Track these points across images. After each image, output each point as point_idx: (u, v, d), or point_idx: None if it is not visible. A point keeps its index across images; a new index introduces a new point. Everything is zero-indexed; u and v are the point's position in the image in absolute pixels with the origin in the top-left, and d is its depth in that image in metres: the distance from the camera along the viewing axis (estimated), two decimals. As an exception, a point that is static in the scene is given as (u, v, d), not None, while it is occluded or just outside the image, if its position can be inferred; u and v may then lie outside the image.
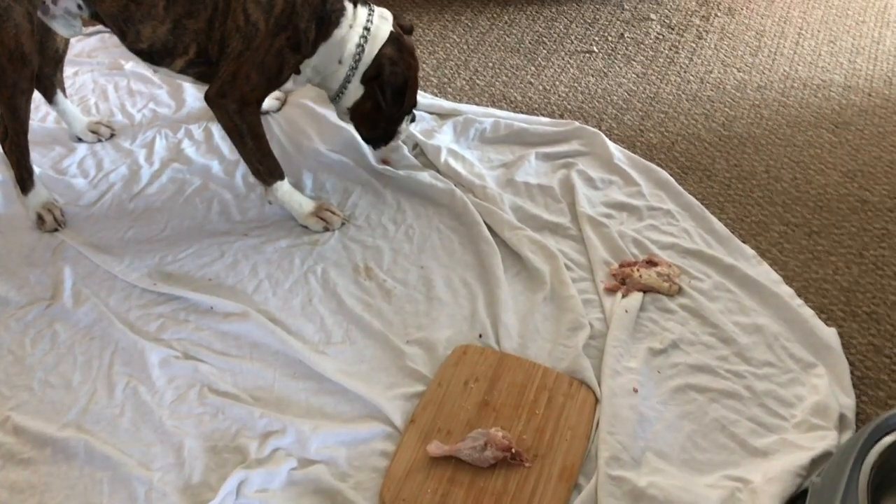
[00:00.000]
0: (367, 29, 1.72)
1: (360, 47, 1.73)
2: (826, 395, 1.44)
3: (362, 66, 1.75)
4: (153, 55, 1.71)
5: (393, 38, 1.76)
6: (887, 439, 1.14)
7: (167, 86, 2.33)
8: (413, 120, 1.95)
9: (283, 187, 1.82)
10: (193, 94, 2.29)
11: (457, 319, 1.64)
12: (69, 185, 1.97)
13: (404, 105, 1.82)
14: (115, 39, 2.43)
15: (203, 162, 2.04)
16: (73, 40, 2.48)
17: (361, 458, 1.38)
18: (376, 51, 1.74)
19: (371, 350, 1.58)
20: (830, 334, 1.56)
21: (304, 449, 1.39)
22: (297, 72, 1.74)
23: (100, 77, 2.38)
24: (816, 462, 1.32)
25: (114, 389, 1.49)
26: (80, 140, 2.12)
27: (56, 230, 1.84)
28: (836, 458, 1.17)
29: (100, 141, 2.12)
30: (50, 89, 2.00)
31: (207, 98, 1.69)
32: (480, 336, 1.60)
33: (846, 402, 1.44)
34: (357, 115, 1.84)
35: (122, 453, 1.38)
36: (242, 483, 1.32)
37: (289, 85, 1.77)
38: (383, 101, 1.78)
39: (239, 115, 1.68)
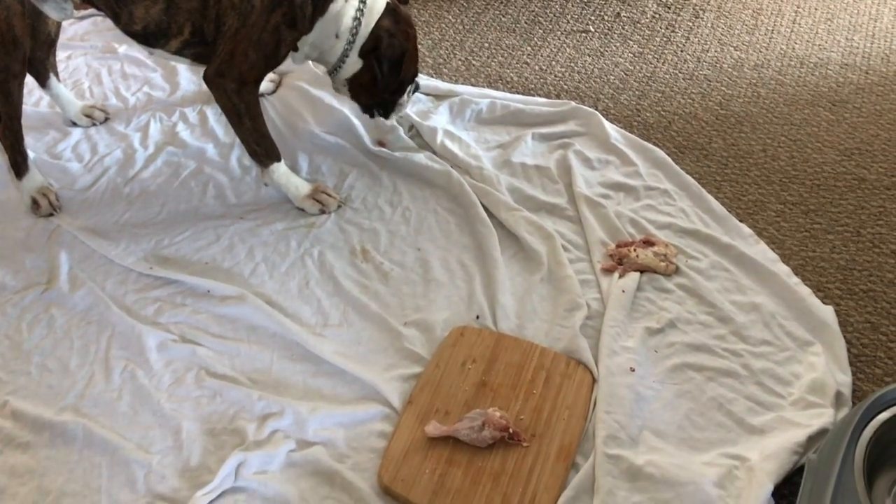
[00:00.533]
0: (362, 2, 1.70)
1: (357, 20, 1.71)
2: (823, 372, 1.44)
3: (360, 40, 1.74)
4: (148, 37, 1.69)
5: (389, 10, 1.75)
6: (883, 415, 1.14)
7: (161, 69, 2.31)
8: (417, 89, 1.92)
9: (280, 169, 1.81)
10: (188, 77, 2.27)
11: (454, 301, 1.64)
12: (64, 170, 1.96)
13: (402, 75, 1.79)
14: (108, 22, 2.43)
15: (198, 145, 2.04)
16: (65, 24, 2.47)
17: (359, 440, 1.39)
18: (373, 23, 1.73)
19: (368, 332, 1.58)
20: (827, 312, 1.56)
21: (303, 431, 1.39)
22: (295, 49, 1.72)
23: (93, 61, 2.36)
24: (813, 439, 1.32)
25: (111, 373, 1.49)
26: (74, 124, 2.11)
27: (51, 215, 1.83)
28: (833, 434, 1.18)
29: (94, 125, 2.11)
30: (43, 73, 1.99)
31: (206, 78, 1.68)
32: (478, 317, 1.60)
33: (843, 379, 1.44)
34: (356, 86, 1.83)
35: (120, 437, 1.38)
36: (241, 465, 1.33)
37: (288, 63, 1.76)
38: (380, 73, 1.76)
39: (237, 95, 1.67)
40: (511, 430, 1.35)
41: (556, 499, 1.28)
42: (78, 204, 1.87)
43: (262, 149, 1.77)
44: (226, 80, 1.65)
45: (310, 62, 1.88)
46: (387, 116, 1.90)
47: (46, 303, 1.63)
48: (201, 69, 1.71)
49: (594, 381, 1.46)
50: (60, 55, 2.33)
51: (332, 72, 1.81)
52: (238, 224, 1.81)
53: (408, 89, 1.87)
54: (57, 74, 2.03)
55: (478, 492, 1.29)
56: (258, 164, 1.80)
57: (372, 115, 1.91)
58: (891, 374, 1.48)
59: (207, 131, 2.08)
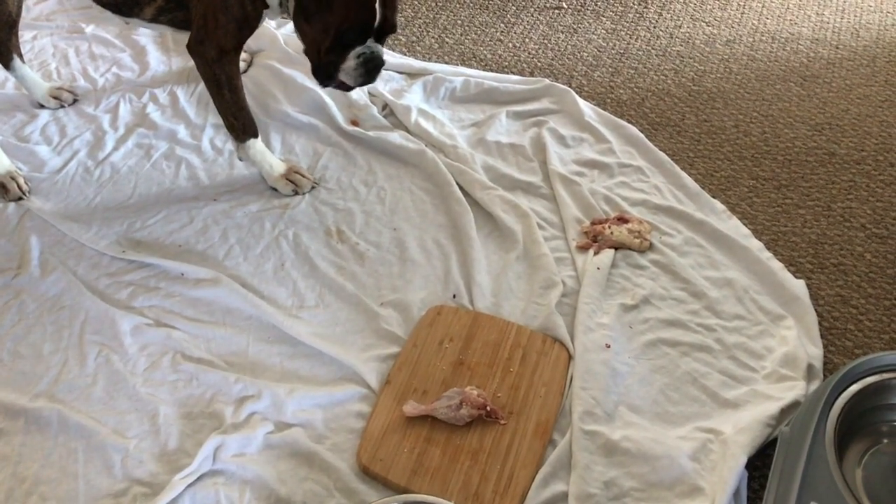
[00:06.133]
0: None
1: None
2: (795, 346, 1.47)
3: None
4: (120, 5, 1.65)
5: None
6: (853, 387, 1.17)
7: (130, 49, 2.27)
8: (372, 62, 1.58)
9: (257, 146, 1.79)
10: (157, 57, 2.24)
11: (430, 280, 1.64)
12: (32, 153, 1.93)
13: (332, 24, 1.51)
14: (73, 1, 2.38)
15: (169, 126, 2.01)
16: (29, 2, 2.41)
17: (338, 420, 1.39)
18: None
19: (345, 313, 1.58)
20: (799, 286, 1.58)
21: (280, 412, 1.39)
22: (265, 6, 1.61)
23: (60, 41, 2.32)
24: (786, 412, 1.34)
25: (85, 358, 1.48)
26: (41, 106, 2.07)
27: (20, 199, 1.80)
28: (805, 407, 1.20)
29: (62, 107, 2.07)
30: (6, 54, 1.95)
31: (189, 47, 1.65)
32: (454, 296, 1.60)
33: (814, 352, 1.47)
34: (300, 29, 1.60)
35: (96, 422, 1.37)
36: (219, 448, 1.32)
37: (260, 42, 1.70)
38: (303, 14, 1.54)
39: (218, 64, 1.64)
40: (488, 408, 1.36)
41: (534, 475, 1.30)
42: (47, 187, 1.84)
43: (240, 123, 1.75)
44: (206, 48, 1.62)
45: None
46: (327, 82, 1.64)
47: (17, 288, 1.61)
48: (172, 49, 1.67)
49: (570, 357, 1.48)
50: (26, 35, 2.28)
51: (287, 14, 1.62)
52: (211, 206, 1.79)
53: (353, 53, 1.56)
54: (21, 55, 1.99)
55: (456, 469, 1.30)
56: (234, 138, 1.78)
57: (321, 84, 1.66)
58: (861, 347, 1.51)
59: (178, 112, 2.06)
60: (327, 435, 1.37)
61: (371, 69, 1.60)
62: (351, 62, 1.57)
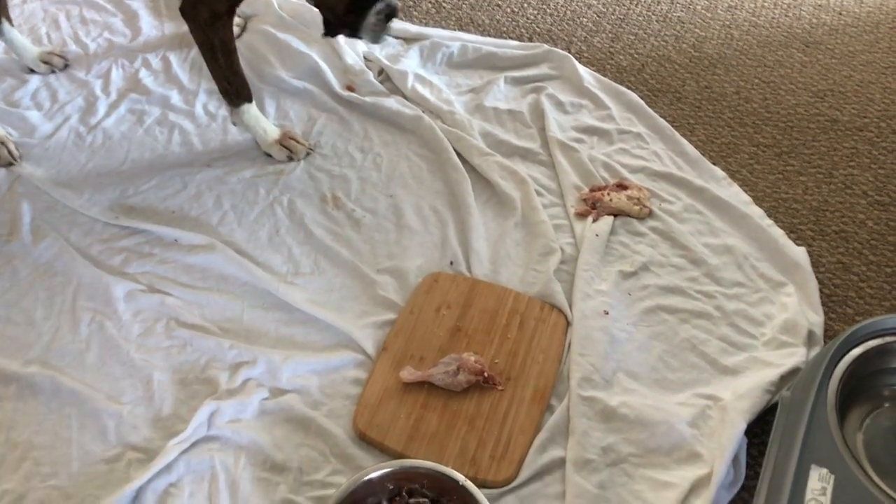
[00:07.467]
0: None
1: None
2: (795, 312, 1.45)
3: None
4: None
5: None
6: (855, 351, 1.16)
7: (122, 13, 2.23)
8: (391, 16, 1.58)
9: (251, 110, 1.76)
10: (150, 22, 2.20)
11: (427, 247, 1.62)
12: (23, 118, 1.90)
13: None
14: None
15: (162, 92, 1.97)
16: (19, -34, 2.37)
17: (334, 387, 1.38)
18: None
19: (341, 280, 1.56)
20: (800, 253, 1.56)
21: (276, 379, 1.38)
22: None
23: (50, 5, 2.27)
24: (785, 378, 1.33)
25: (78, 325, 1.46)
26: (32, 71, 2.03)
27: (11, 164, 1.77)
28: (806, 371, 1.19)
29: (53, 72, 2.04)
30: (-6, 18, 1.91)
31: (182, 10, 1.62)
32: (451, 263, 1.58)
33: (815, 319, 1.46)
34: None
35: (89, 388, 1.36)
36: (214, 414, 1.31)
37: (254, 6, 1.66)
38: None
39: (212, 28, 1.61)
40: (486, 374, 1.35)
41: (532, 441, 1.29)
42: (39, 153, 1.81)
43: (234, 87, 1.72)
44: (198, 11, 1.59)
45: None
46: (350, 34, 1.60)
47: (9, 255, 1.59)
48: (164, 14, 1.63)
49: (568, 324, 1.46)
50: (15, -1, 2.24)
51: None
52: (205, 172, 1.77)
53: (374, 9, 1.54)
54: (10, 19, 1.95)
55: (453, 435, 1.29)
56: (228, 103, 1.75)
57: (333, 34, 1.63)
58: (862, 314, 1.50)
59: (171, 77, 2.02)
60: (323, 401, 1.35)
61: (388, 21, 1.58)
62: (371, 19, 1.55)
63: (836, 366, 1.13)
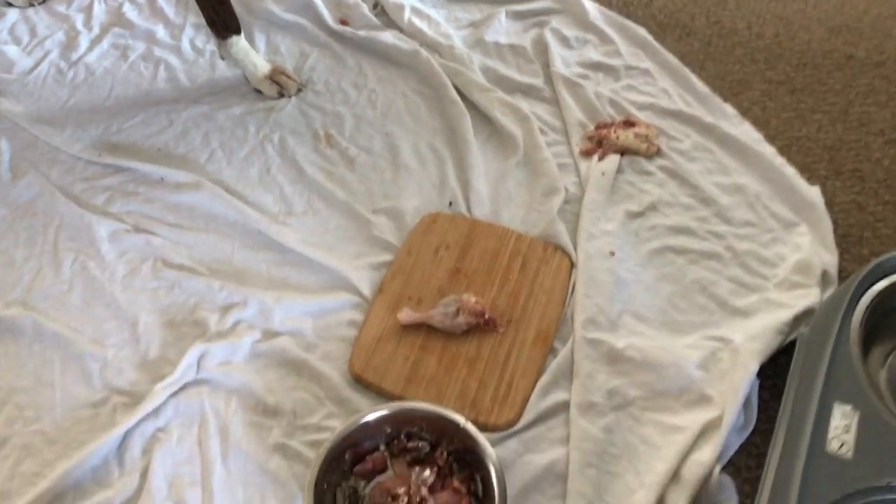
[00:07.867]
0: None
1: None
2: (808, 252, 1.39)
3: None
4: None
5: None
6: (880, 284, 1.09)
7: (103, -55, 2.13)
8: None
9: (240, 43, 1.68)
10: (133, -46, 2.10)
11: (425, 187, 1.55)
12: (0, 53, 1.81)
13: None
14: None
15: (147, 26, 1.89)
16: None
17: (328, 329, 1.32)
18: None
19: (335, 220, 1.49)
20: (813, 192, 1.50)
21: (268, 321, 1.32)
22: None
23: (28, -64, 2.17)
24: (799, 319, 1.28)
25: (61, 265, 1.40)
26: (9, 5, 1.95)
27: (-12, 101, 1.70)
28: (826, 306, 1.13)
29: (32, 5, 1.95)
30: (-31, -54, 1.82)
31: None
32: (451, 204, 1.52)
33: (829, 259, 1.40)
34: None
35: (72, 330, 1.31)
36: (203, 356, 1.26)
37: None
38: None
39: None
40: (487, 316, 1.29)
41: (534, 383, 1.24)
42: (18, 89, 1.74)
43: (221, 18, 1.63)
44: None
45: None
46: None
47: (-13, 194, 1.52)
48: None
49: (572, 265, 1.40)
50: (-9, -70, 2.13)
51: None
52: (192, 108, 1.69)
53: None
54: (-15, -52, 1.86)
55: (453, 378, 1.24)
56: (215, 35, 1.67)
57: None
58: (877, 254, 1.44)
59: (156, 11, 1.93)
60: (317, 343, 1.30)
61: None
62: None
63: (858, 300, 1.07)
